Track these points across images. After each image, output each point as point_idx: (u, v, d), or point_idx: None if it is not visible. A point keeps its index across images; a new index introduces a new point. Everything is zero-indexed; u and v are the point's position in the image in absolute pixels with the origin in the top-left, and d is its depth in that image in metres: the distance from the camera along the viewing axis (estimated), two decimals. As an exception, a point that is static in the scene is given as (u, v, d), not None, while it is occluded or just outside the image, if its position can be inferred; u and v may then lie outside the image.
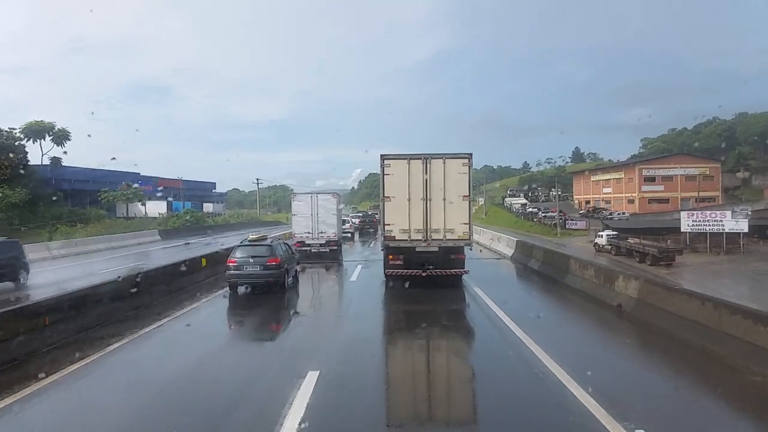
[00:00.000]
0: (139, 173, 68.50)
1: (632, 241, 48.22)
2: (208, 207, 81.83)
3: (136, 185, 52.31)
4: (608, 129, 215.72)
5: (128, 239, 39.42)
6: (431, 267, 16.35)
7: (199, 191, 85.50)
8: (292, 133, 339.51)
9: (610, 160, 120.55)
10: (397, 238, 16.53)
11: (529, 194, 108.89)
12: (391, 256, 16.80)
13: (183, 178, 77.93)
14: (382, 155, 16.64)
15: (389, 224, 16.61)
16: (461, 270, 16.69)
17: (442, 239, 16.35)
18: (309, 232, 27.44)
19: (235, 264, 16.10)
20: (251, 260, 16.10)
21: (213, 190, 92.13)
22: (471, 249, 17.32)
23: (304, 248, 26.57)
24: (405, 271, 16.52)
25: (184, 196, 75.86)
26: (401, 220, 16.46)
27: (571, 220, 72.07)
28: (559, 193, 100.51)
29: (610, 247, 51.34)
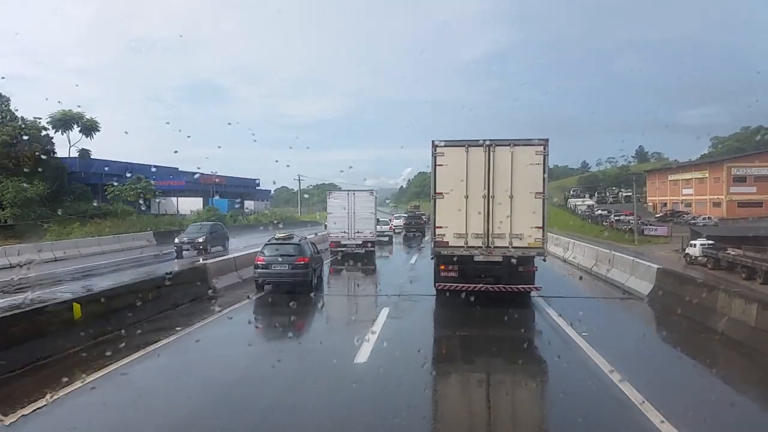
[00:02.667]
0: (177, 168, 65.86)
1: (734, 253, 41.69)
2: (249, 204, 78.50)
3: (147, 179, 46.76)
4: (670, 128, 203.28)
5: (124, 242, 34.62)
6: (493, 281, 13.97)
7: (241, 188, 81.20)
8: (343, 132, 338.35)
9: (676, 160, 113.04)
10: (450, 244, 14.10)
11: (596, 195, 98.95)
12: (443, 266, 14.43)
13: (221, 174, 73.78)
14: (433, 141, 14.11)
15: (441, 227, 14.15)
16: (531, 286, 14.22)
17: (507, 247, 13.87)
18: (345, 232, 26.59)
19: (263, 262, 15.93)
20: (280, 259, 15.90)
21: (257, 187, 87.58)
22: (545, 260, 14.53)
23: (339, 249, 26.08)
24: (460, 285, 14.05)
25: (225, 192, 71.95)
26: (456, 223, 14.02)
27: (650, 225, 63.42)
28: (630, 194, 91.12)
29: (705, 259, 44.96)
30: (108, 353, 9.18)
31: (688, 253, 47.17)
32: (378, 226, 31.37)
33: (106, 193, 46.16)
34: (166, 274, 14.39)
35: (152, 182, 46.42)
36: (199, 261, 19.20)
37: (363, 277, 22.23)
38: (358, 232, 26.64)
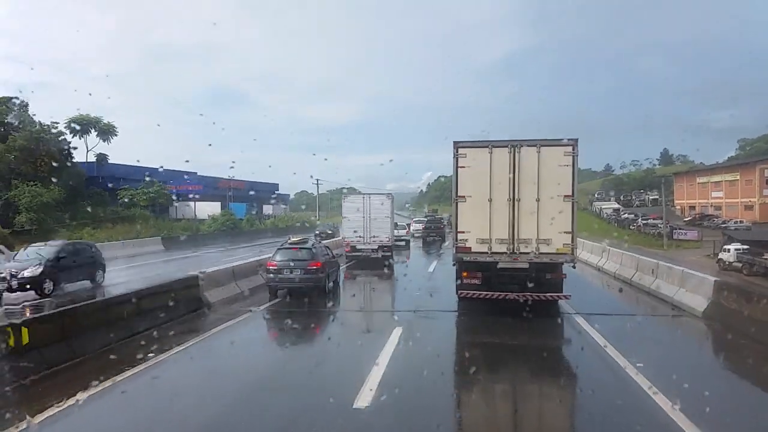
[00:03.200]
0: (196, 173, 65.19)
1: None
2: (268, 209, 77.55)
3: (160, 183, 45.39)
4: (695, 130, 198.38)
5: (128, 248, 32.48)
6: (518, 289, 13.03)
7: (260, 193, 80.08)
8: (363, 137, 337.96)
9: (702, 162, 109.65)
10: (473, 250, 13.31)
11: (621, 198, 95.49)
12: (465, 273, 13.65)
13: (241, 179, 72.49)
14: (455, 142, 13.37)
15: (463, 231, 13.38)
16: (559, 294, 13.30)
17: (533, 252, 13.02)
18: (360, 236, 25.83)
19: (276, 267, 15.52)
20: (292, 263, 15.54)
21: (276, 192, 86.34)
22: (574, 267, 13.48)
23: (354, 253, 25.49)
24: (483, 293, 13.35)
25: (244, 197, 70.81)
26: (479, 227, 13.23)
27: (679, 228, 60.36)
28: (657, 197, 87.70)
29: (740, 264, 41.93)
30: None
31: (721, 258, 44.67)
32: (396, 231, 30.52)
33: (119, 197, 44.83)
34: (146, 289, 12.55)
35: (165, 186, 44.96)
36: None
37: (377, 287, 20.56)
38: (373, 237, 25.92)
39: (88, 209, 47.17)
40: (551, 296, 13.14)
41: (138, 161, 61.51)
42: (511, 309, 12.80)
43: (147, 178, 46.14)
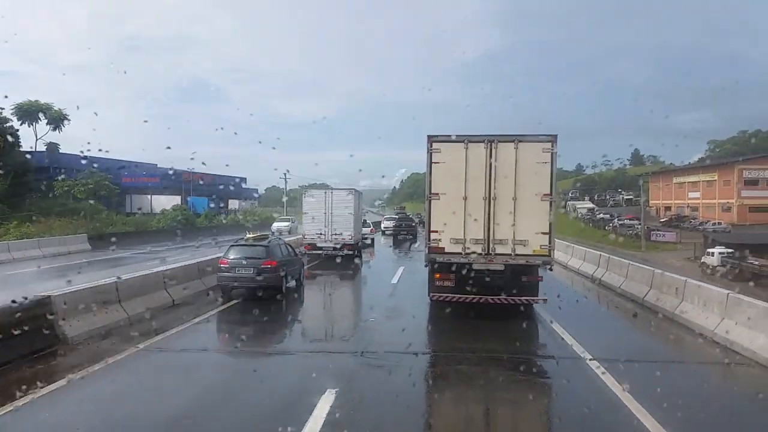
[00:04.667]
0: (155, 164, 60.38)
1: (758, 263, 37.14)
2: (234, 204, 71.90)
3: (102, 174, 40.30)
4: (664, 132, 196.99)
5: (46, 247, 27.70)
6: (494, 292, 12.12)
7: (227, 187, 74.95)
8: (337, 133, 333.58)
9: (671, 163, 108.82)
10: (446, 250, 12.42)
11: (595, 197, 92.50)
12: (438, 275, 12.64)
13: (207, 172, 67.37)
14: (429, 136, 12.47)
15: (437, 231, 12.46)
16: (535, 298, 12.55)
17: (509, 254, 12.19)
18: (321, 234, 24.18)
19: (227, 265, 14.41)
20: (244, 262, 14.41)
21: (243, 186, 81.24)
22: (551, 269, 12.61)
23: (314, 251, 24.08)
24: (456, 295, 12.38)
25: (207, 191, 66.13)
26: (453, 226, 12.28)
27: (657, 230, 57.36)
28: (631, 197, 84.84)
29: (725, 268, 39.25)
30: None
31: (704, 262, 42.12)
32: (363, 229, 29.55)
33: (54, 189, 39.54)
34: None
35: (106, 177, 39.84)
36: None
37: (320, 307, 16.15)
38: (335, 234, 24.22)
39: (35, 202, 42.01)
40: (527, 299, 12.37)
41: (90, 151, 56.06)
42: (509, 362, 8.99)
43: (94, 168, 40.95)
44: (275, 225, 39.54)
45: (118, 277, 11.71)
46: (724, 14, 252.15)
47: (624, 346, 10.50)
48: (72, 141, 54.46)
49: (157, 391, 7.89)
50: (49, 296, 9.48)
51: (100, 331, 10.25)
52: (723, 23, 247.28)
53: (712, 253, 41.33)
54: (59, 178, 40.78)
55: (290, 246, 17.26)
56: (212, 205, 62.69)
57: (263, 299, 14.39)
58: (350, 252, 24.11)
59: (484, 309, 12.52)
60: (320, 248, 24.04)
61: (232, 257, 14.53)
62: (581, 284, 19.32)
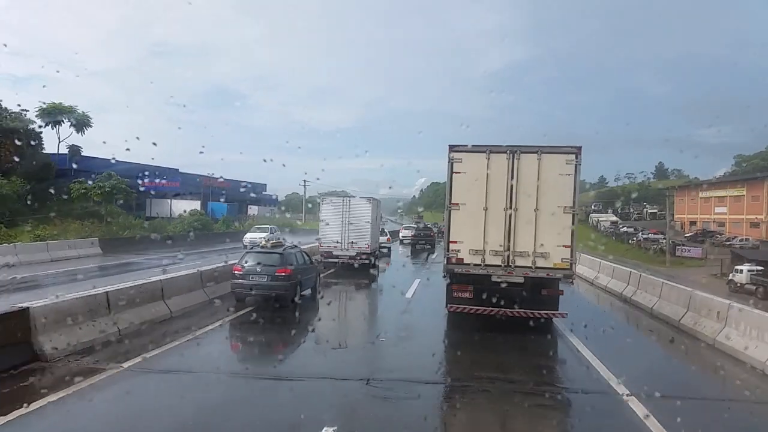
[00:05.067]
0: (177, 169, 60.18)
1: None
2: (253, 210, 71.42)
3: (118, 177, 39.86)
4: (689, 146, 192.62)
5: (55, 250, 27.29)
6: (513, 305, 11.67)
7: (247, 193, 74.86)
8: (359, 142, 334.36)
9: (696, 177, 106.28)
10: (465, 261, 12.09)
11: (619, 210, 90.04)
12: (455, 287, 12.34)
13: (224, 177, 67.35)
14: (450, 146, 12.23)
15: (456, 241, 12.16)
16: (555, 312, 11.98)
17: (530, 267, 11.81)
18: (338, 242, 23.60)
19: (241, 272, 14.20)
20: (258, 269, 14.10)
21: (263, 192, 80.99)
22: (572, 283, 12.45)
23: (330, 260, 23.60)
24: (474, 307, 12.07)
25: (228, 197, 66.59)
26: (473, 237, 11.98)
27: (682, 245, 55.32)
28: (656, 210, 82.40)
29: (755, 287, 37.95)
30: None
31: (732, 279, 40.28)
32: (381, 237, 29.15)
33: (70, 191, 39.20)
34: None
35: (123, 180, 39.39)
36: None
37: (331, 319, 15.05)
38: (352, 243, 23.53)
39: (57, 204, 41.84)
40: (546, 314, 11.97)
41: (112, 157, 56.27)
42: (533, 396, 7.81)
43: (112, 171, 40.62)
44: (247, 236, 35.20)
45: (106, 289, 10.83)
46: (752, 27, 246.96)
47: (665, 378, 9.19)
48: (96, 144, 54.73)
49: (129, 423, 6.90)
50: (28, 308, 8.60)
51: (84, 347, 9.33)
52: (751, 36, 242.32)
53: (741, 270, 39.74)
54: (76, 180, 40.45)
55: (306, 254, 16.85)
56: (243, 213, 62.32)
57: (269, 311, 13.76)
58: (366, 261, 23.51)
59: (505, 331, 11.56)
60: (336, 257, 23.53)
61: (246, 264, 14.33)
62: (609, 303, 18.08)
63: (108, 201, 40.41)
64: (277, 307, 14.00)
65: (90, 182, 39.20)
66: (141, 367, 8.83)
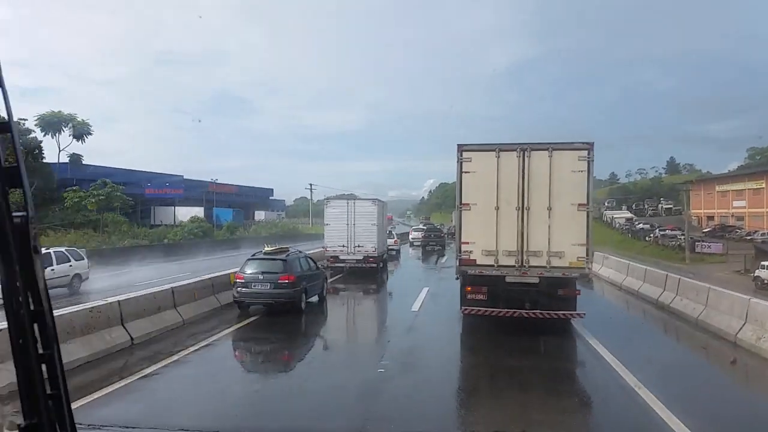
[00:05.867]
0: (182, 176, 60.44)
1: None
2: (260, 215, 70.79)
3: (114, 184, 38.31)
4: (699, 140, 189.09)
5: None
6: (527, 305, 11.56)
7: (253, 198, 73.79)
8: (366, 144, 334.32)
9: (709, 171, 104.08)
10: (478, 262, 11.92)
11: (633, 207, 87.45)
12: (469, 288, 12.13)
13: (229, 183, 66.22)
14: (459, 145, 12.09)
15: (468, 242, 12.00)
16: (572, 312, 11.63)
17: (545, 266, 11.62)
18: (344, 246, 23.04)
19: (243, 280, 13.76)
20: (261, 276, 13.73)
21: (270, 197, 79.97)
22: (590, 281, 13.14)
23: (337, 264, 23.13)
24: (488, 309, 11.84)
25: (234, 203, 66.76)
26: (485, 238, 11.84)
27: (702, 241, 52.97)
28: (671, 206, 79.73)
29: None
30: None
31: (758, 276, 37.65)
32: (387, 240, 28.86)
33: (64, 200, 37.70)
34: None
35: (118, 188, 37.84)
36: None
37: (333, 333, 13.84)
38: (358, 246, 22.97)
39: (60, 214, 40.46)
40: (563, 314, 11.70)
41: (117, 163, 55.19)
42: None
43: (112, 179, 39.17)
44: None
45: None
46: (752, 22, 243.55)
47: (739, 420, 7.15)
48: (100, 152, 53.71)
49: None
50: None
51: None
52: (751, 30, 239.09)
53: (767, 266, 37.84)
54: (69, 188, 38.97)
55: (312, 259, 16.33)
56: (249, 218, 61.05)
57: (267, 326, 13.08)
58: (374, 265, 23.01)
59: (529, 353, 10.21)
60: (343, 261, 23.02)
61: (248, 271, 13.94)
62: (642, 311, 15.98)
63: (105, 209, 38.93)
64: (278, 320, 13.33)
65: (84, 191, 37.63)
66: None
